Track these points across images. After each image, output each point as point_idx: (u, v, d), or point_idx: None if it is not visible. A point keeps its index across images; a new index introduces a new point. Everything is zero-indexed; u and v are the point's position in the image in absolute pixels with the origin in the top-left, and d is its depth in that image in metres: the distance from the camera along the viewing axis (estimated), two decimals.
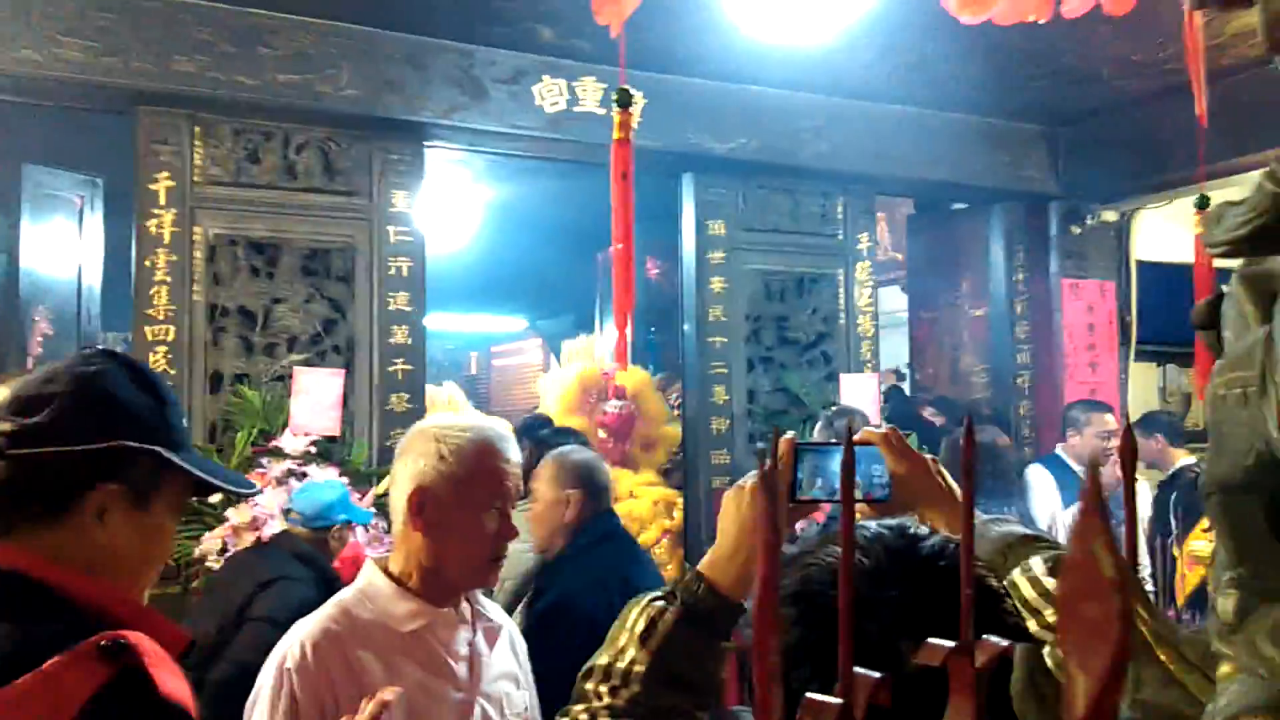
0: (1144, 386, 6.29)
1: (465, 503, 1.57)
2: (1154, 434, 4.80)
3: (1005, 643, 0.75)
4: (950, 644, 0.72)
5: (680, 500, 5.48)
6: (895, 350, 6.67)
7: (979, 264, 6.18)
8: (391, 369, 4.55)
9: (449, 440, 1.59)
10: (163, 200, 4.14)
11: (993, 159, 5.78)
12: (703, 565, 1.07)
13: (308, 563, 3.21)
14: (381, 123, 4.48)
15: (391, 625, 1.56)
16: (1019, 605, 0.86)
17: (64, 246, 5.54)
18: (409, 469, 1.60)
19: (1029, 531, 0.97)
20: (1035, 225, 6.07)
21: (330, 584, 3.57)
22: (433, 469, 1.58)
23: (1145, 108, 5.35)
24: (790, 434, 1.17)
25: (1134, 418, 5.56)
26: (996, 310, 6.13)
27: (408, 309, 4.60)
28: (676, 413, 7.32)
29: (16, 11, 3.81)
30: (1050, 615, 0.84)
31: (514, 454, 1.65)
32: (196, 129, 4.21)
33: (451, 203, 6.75)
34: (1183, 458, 4.77)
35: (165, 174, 4.14)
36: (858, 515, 1.60)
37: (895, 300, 6.98)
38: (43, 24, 3.84)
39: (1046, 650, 0.81)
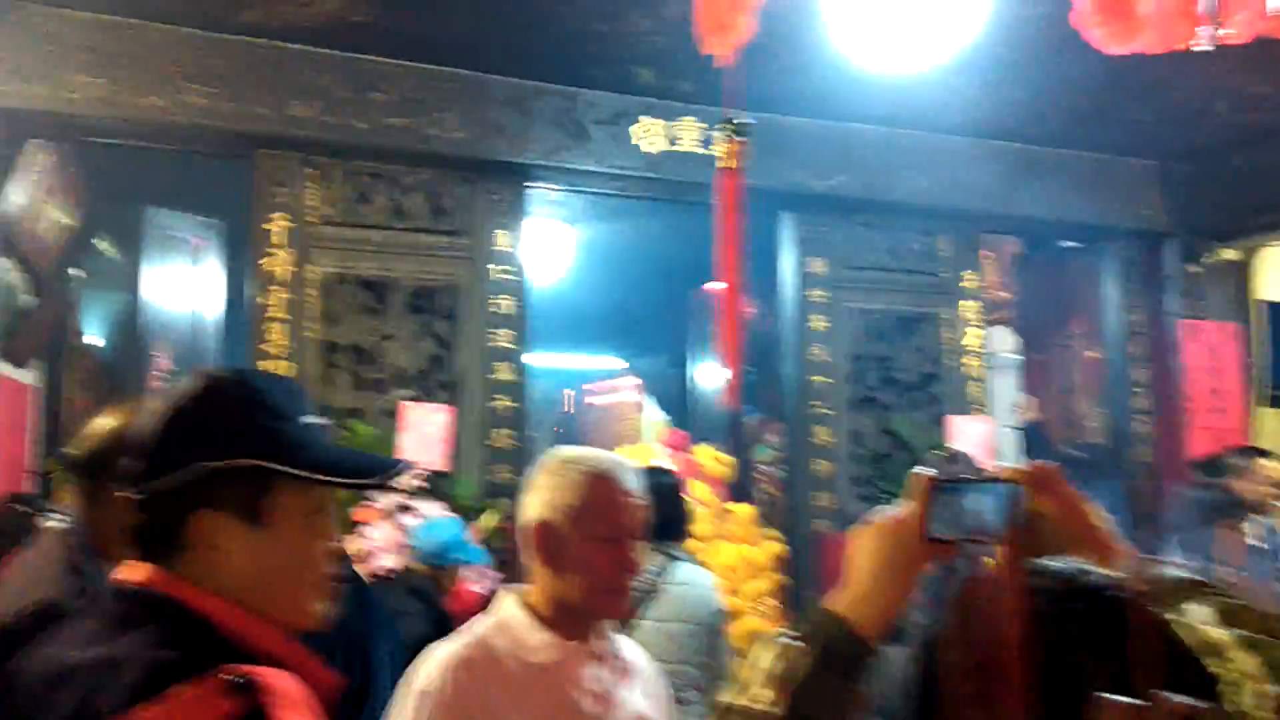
0: (1273, 433, 5.96)
1: (584, 535, 1.57)
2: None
3: (1193, 702, 0.69)
4: (1135, 702, 0.66)
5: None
6: (1005, 392, 6.46)
7: (1091, 304, 5.97)
8: (495, 405, 4.59)
9: (567, 473, 1.60)
10: (278, 240, 4.28)
11: (1103, 196, 5.60)
12: (837, 603, 1.02)
13: (423, 599, 3.23)
14: (486, 164, 4.57)
15: (524, 657, 1.56)
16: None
17: (183, 286, 5.79)
18: (532, 502, 1.62)
19: (1195, 576, 0.90)
20: (1150, 264, 5.84)
21: (442, 621, 3.58)
22: (551, 502, 1.59)
23: (1264, 143, 5.13)
24: (928, 471, 1.11)
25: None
26: (1111, 352, 5.90)
27: (510, 346, 4.65)
28: (775, 454, 7.23)
29: (144, 61, 4.01)
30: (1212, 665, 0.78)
31: (633, 484, 1.64)
32: (310, 171, 4.35)
33: (547, 241, 6.83)
34: None
35: (281, 214, 4.28)
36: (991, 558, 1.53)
37: (1005, 340, 6.77)
38: (168, 72, 4.04)
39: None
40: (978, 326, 5.49)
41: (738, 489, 6.17)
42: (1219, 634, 0.74)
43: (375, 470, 1.17)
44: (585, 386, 12.14)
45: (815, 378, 5.23)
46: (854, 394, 5.29)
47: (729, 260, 2.21)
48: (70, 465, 1.83)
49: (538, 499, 1.61)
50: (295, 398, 1.17)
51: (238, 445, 1.07)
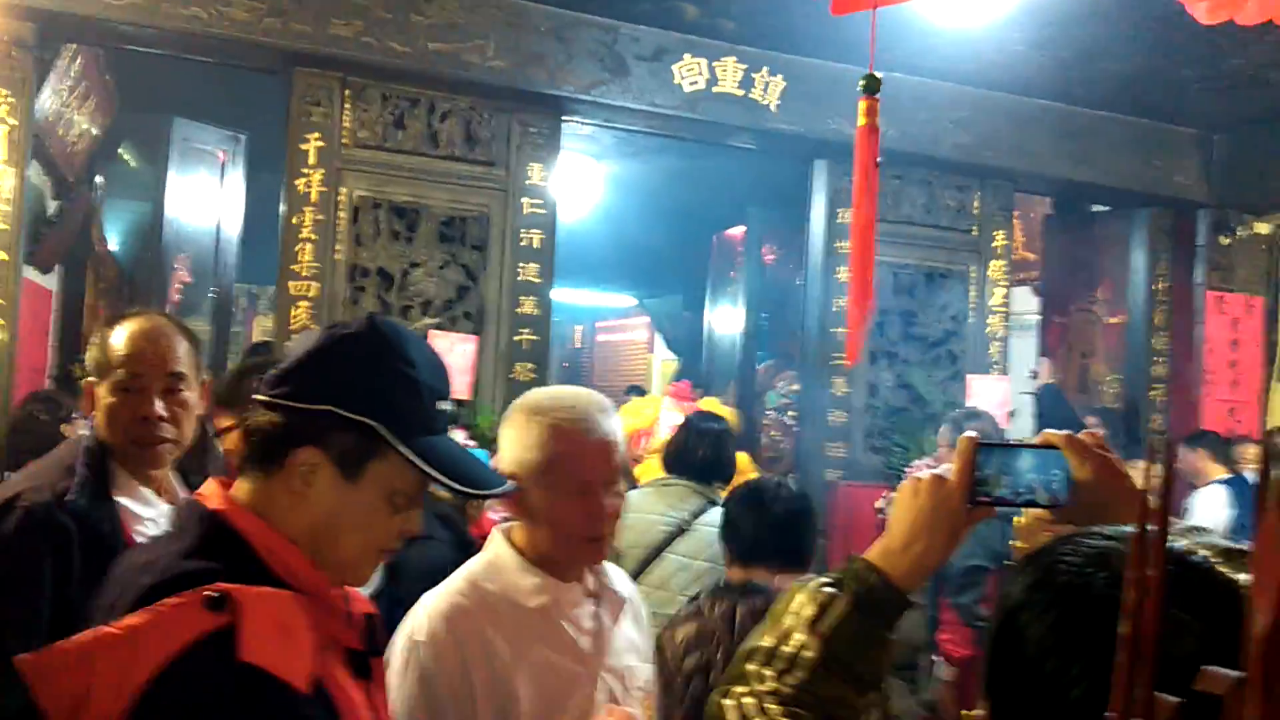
0: None
1: (552, 491, 1.52)
2: (1197, 449, 4.78)
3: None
4: (1234, 674, 0.67)
5: None
6: (1022, 353, 6.47)
7: (1118, 269, 5.94)
8: (518, 338, 4.59)
9: (532, 427, 1.53)
10: (312, 160, 4.23)
11: (1142, 162, 5.54)
12: (873, 555, 1.04)
13: (448, 524, 3.26)
14: (523, 95, 4.50)
15: (518, 600, 1.52)
16: None
17: (206, 199, 5.73)
18: (505, 451, 1.56)
19: (1234, 544, 0.90)
20: (1182, 233, 5.80)
21: (467, 548, 3.61)
22: (518, 458, 1.53)
23: None
24: (973, 433, 1.12)
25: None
26: (1134, 318, 5.89)
27: (536, 280, 4.63)
28: (784, 400, 7.26)
29: None
30: None
31: (604, 429, 1.56)
32: (347, 92, 4.29)
33: (574, 176, 6.77)
34: (1220, 474, 4.71)
35: (316, 134, 4.23)
36: (1032, 520, 1.53)
37: (1025, 302, 6.76)
38: None
39: None
40: (1003, 286, 5.47)
41: (743, 438, 6.20)
42: None
43: (480, 482, 1.17)
44: (597, 324, 12.14)
45: (837, 329, 5.22)
46: (875, 347, 5.28)
47: (864, 218, 2.16)
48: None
49: (507, 452, 1.55)
50: (441, 380, 1.17)
51: (373, 405, 1.08)
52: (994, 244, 5.42)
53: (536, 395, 1.61)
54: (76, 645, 0.95)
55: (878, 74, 2.16)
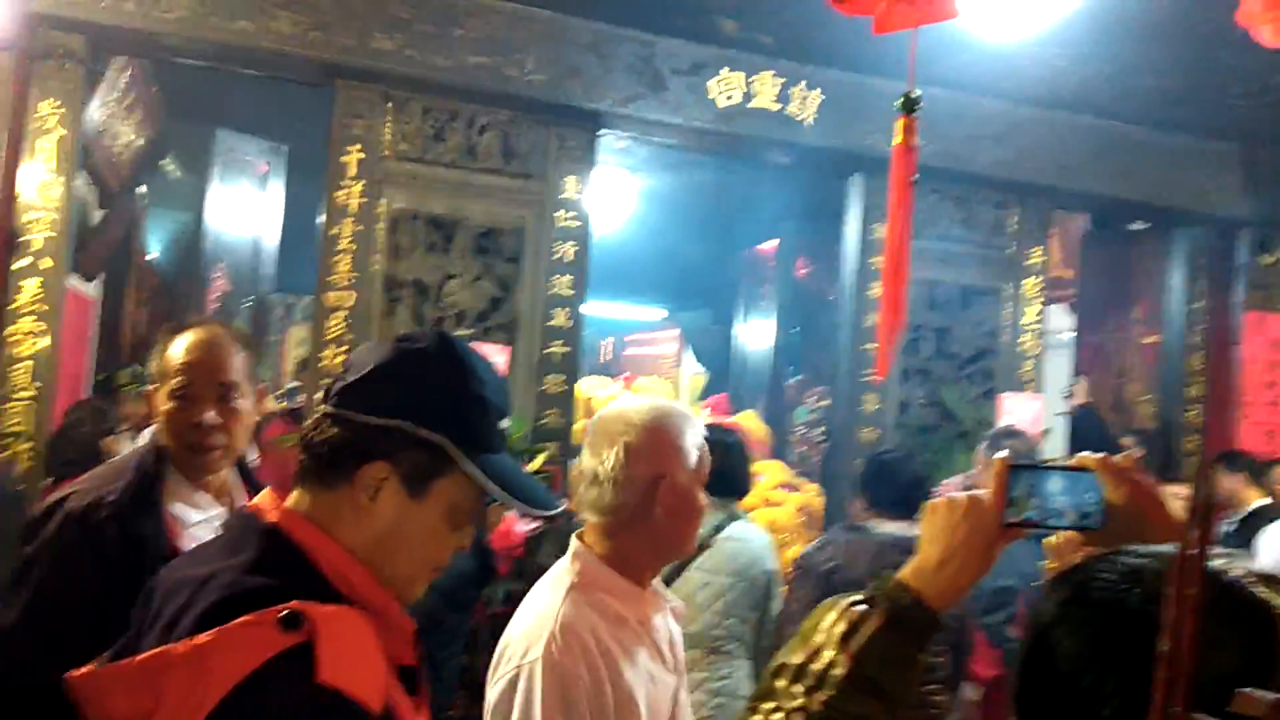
0: None
1: (693, 482, 1.61)
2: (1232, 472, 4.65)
3: None
4: (1272, 695, 0.67)
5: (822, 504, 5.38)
6: (1057, 372, 6.41)
7: (1155, 288, 5.88)
8: (549, 350, 4.61)
9: (671, 424, 1.60)
10: (353, 172, 4.29)
11: (1181, 179, 5.49)
12: (906, 574, 1.04)
13: None
14: (561, 109, 4.54)
15: (616, 609, 1.55)
16: None
17: (246, 209, 5.83)
18: (641, 452, 1.57)
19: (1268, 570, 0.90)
20: (1220, 251, 5.74)
21: (485, 556, 3.64)
22: (667, 455, 1.58)
23: None
24: (1005, 454, 1.12)
25: None
26: (1171, 338, 5.82)
27: (570, 293, 4.65)
28: (813, 416, 7.24)
29: None
30: None
31: (701, 441, 1.65)
32: (389, 105, 4.34)
33: (609, 189, 6.81)
34: (1256, 497, 4.57)
35: (357, 147, 4.28)
36: (1063, 541, 1.52)
37: (1059, 320, 6.71)
38: None
39: None
40: (1038, 304, 5.43)
41: (773, 453, 6.20)
42: None
43: (542, 501, 1.17)
44: (626, 337, 12.15)
45: (869, 345, 5.20)
46: (907, 364, 5.26)
47: (896, 234, 2.18)
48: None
49: (649, 450, 1.57)
50: (505, 399, 1.17)
51: (444, 422, 1.08)
52: (1030, 261, 5.39)
53: (635, 408, 1.64)
54: (139, 665, 0.94)
55: (916, 92, 2.17)
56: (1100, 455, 1.10)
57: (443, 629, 3.24)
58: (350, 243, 4.29)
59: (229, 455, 1.82)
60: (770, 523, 4.73)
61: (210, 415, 1.77)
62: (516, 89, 4.41)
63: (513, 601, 3.72)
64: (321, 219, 4.31)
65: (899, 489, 3.00)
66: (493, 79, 4.37)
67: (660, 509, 1.57)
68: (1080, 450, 1.14)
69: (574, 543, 1.64)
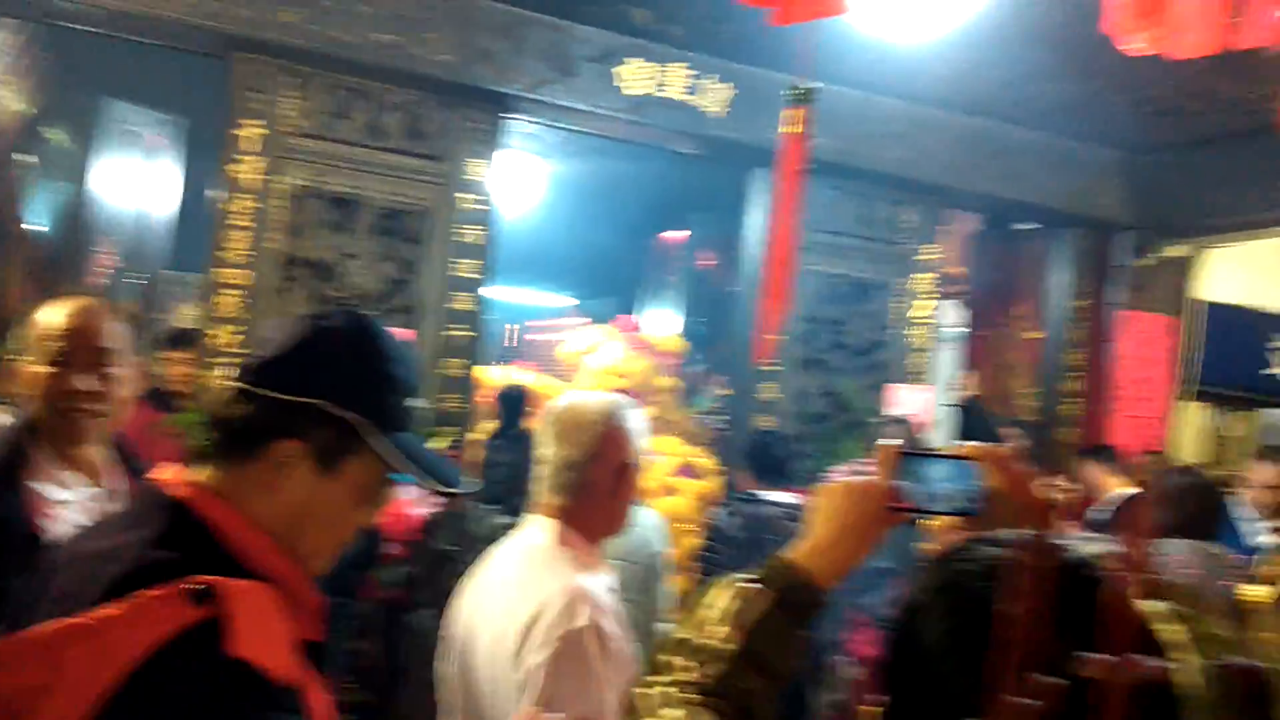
0: (1192, 427, 6.24)
1: (635, 467, 1.75)
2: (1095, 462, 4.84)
3: (1159, 663, 0.77)
4: (1108, 659, 0.74)
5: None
6: (946, 365, 6.65)
7: (1039, 287, 6.15)
8: (451, 334, 4.59)
9: (626, 416, 1.74)
10: (248, 146, 4.18)
11: (1067, 182, 5.74)
12: (796, 555, 1.08)
13: None
14: (468, 90, 4.51)
15: (595, 583, 1.64)
16: None
17: (133, 181, 5.62)
18: (607, 443, 1.70)
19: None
20: (1100, 253, 6.03)
21: (371, 538, 3.59)
22: (627, 444, 1.72)
23: (1229, 146, 5.29)
24: (895, 441, 1.18)
25: (1183, 458, 5.53)
26: (1052, 334, 6.10)
27: (473, 276, 4.63)
28: (714, 404, 7.35)
29: None
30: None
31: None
32: (289, 80, 4.25)
33: (515, 174, 6.78)
34: (1117, 486, 4.72)
35: (255, 121, 4.18)
36: (946, 526, 1.61)
37: (950, 315, 6.95)
38: None
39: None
40: (929, 299, 5.62)
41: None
42: (1154, 606, 0.81)
43: (450, 479, 1.19)
44: (530, 324, 12.10)
45: (769, 336, 5.30)
46: (804, 354, 5.39)
47: (783, 224, 2.25)
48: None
49: (620, 440, 1.71)
50: (415, 376, 1.19)
51: (357, 401, 1.09)
52: (923, 257, 5.57)
53: (604, 400, 1.77)
54: (40, 635, 0.92)
55: (808, 86, 2.25)
56: (980, 445, 1.17)
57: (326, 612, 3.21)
58: (247, 219, 4.18)
59: (104, 426, 1.78)
60: (670, 511, 4.78)
61: (87, 381, 1.74)
62: (424, 69, 4.36)
63: (409, 585, 3.72)
64: (216, 194, 4.20)
65: (777, 462, 3.60)
66: (399, 58, 4.31)
67: (621, 493, 1.72)
68: (967, 439, 1.22)
69: (545, 520, 1.71)
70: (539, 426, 1.78)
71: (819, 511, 1.11)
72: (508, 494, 4.26)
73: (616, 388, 5.47)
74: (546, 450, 1.72)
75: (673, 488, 5.35)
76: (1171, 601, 0.83)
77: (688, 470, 5.43)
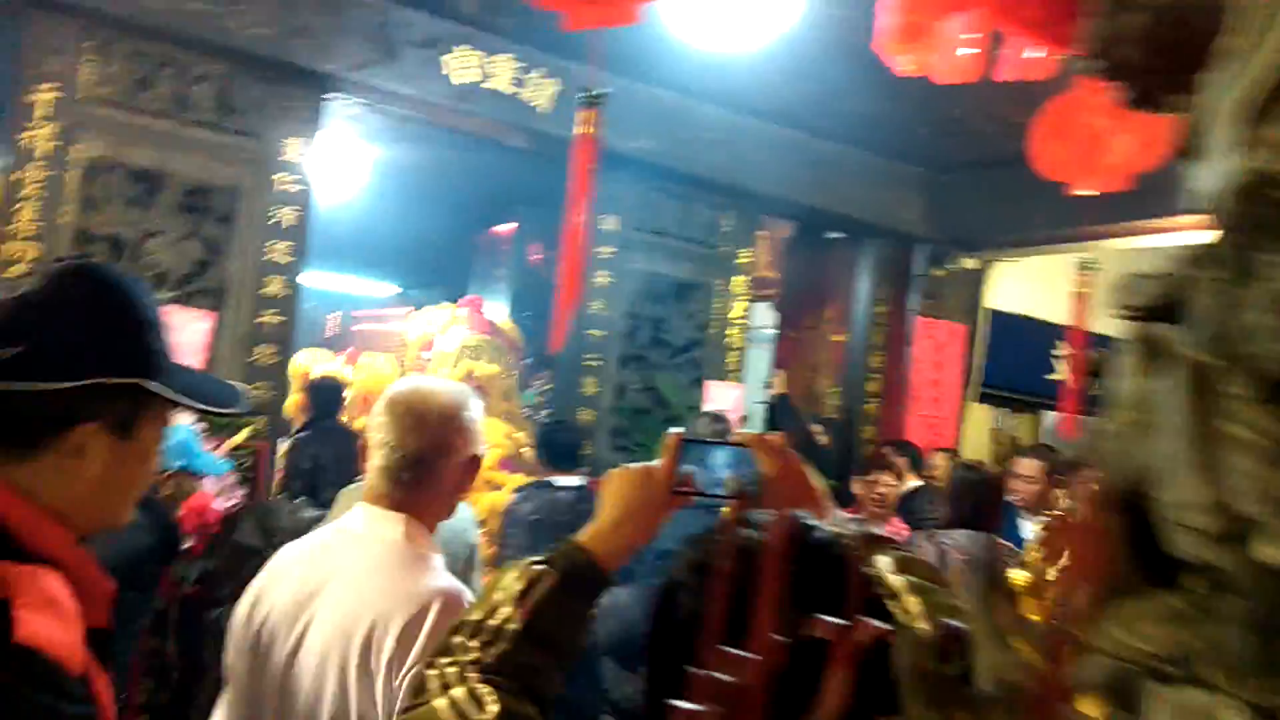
0: (979, 427, 6.76)
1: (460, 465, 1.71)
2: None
3: (886, 626, 0.88)
4: (838, 621, 0.84)
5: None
6: (759, 364, 6.94)
7: (845, 292, 6.50)
8: (261, 320, 4.43)
9: (473, 405, 1.71)
10: (43, 113, 3.91)
11: (872, 196, 6.09)
12: (583, 537, 1.13)
13: (144, 507, 3.09)
14: (286, 67, 4.36)
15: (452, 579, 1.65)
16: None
17: None
18: (455, 435, 1.65)
19: (880, 533, 1.10)
20: (900, 262, 6.43)
21: (167, 531, 3.44)
22: (476, 436, 1.69)
23: (1016, 167, 5.73)
24: (678, 430, 1.26)
25: (967, 454, 5.97)
26: (855, 338, 6.47)
27: (287, 260, 4.49)
28: (539, 398, 7.38)
29: None
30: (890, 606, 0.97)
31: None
32: (90, 44, 3.99)
33: (340, 156, 6.59)
34: (913, 480, 5.02)
35: (50, 85, 3.91)
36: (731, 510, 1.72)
37: (764, 316, 7.25)
38: None
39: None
40: (744, 300, 5.85)
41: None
42: (896, 580, 0.92)
43: (228, 398, 1.19)
44: (354, 313, 11.77)
45: (592, 331, 5.40)
46: (625, 350, 5.51)
47: (575, 218, 2.31)
48: None
49: (471, 432, 1.67)
50: (156, 304, 1.15)
51: (132, 361, 1.06)
52: (739, 260, 5.79)
53: (453, 390, 1.72)
54: None
55: (600, 90, 2.34)
56: (755, 433, 1.26)
57: (118, 608, 3.06)
58: (37, 190, 3.91)
59: None
60: (491, 506, 4.78)
61: None
62: (238, 41, 4.20)
63: (207, 582, 3.58)
64: (4, 163, 3.90)
65: (566, 449, 3.89)
66: (211, 28, 4.13)
67: (465, 486, 1.68)
68: (777, 433, 1.30)
69: (383, 513, 1.64)
70: (380, 416, 1.67)
71: (605, 495, 1.17)
72: (316, 487, 4.17)
73: (466, 371, 5.42)
74: (389, 440, 1.63)
75: (496, 481, 5.36)
76: (914, 576, 0.94)
77: (509, 463, 5.44)
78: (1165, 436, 0.54)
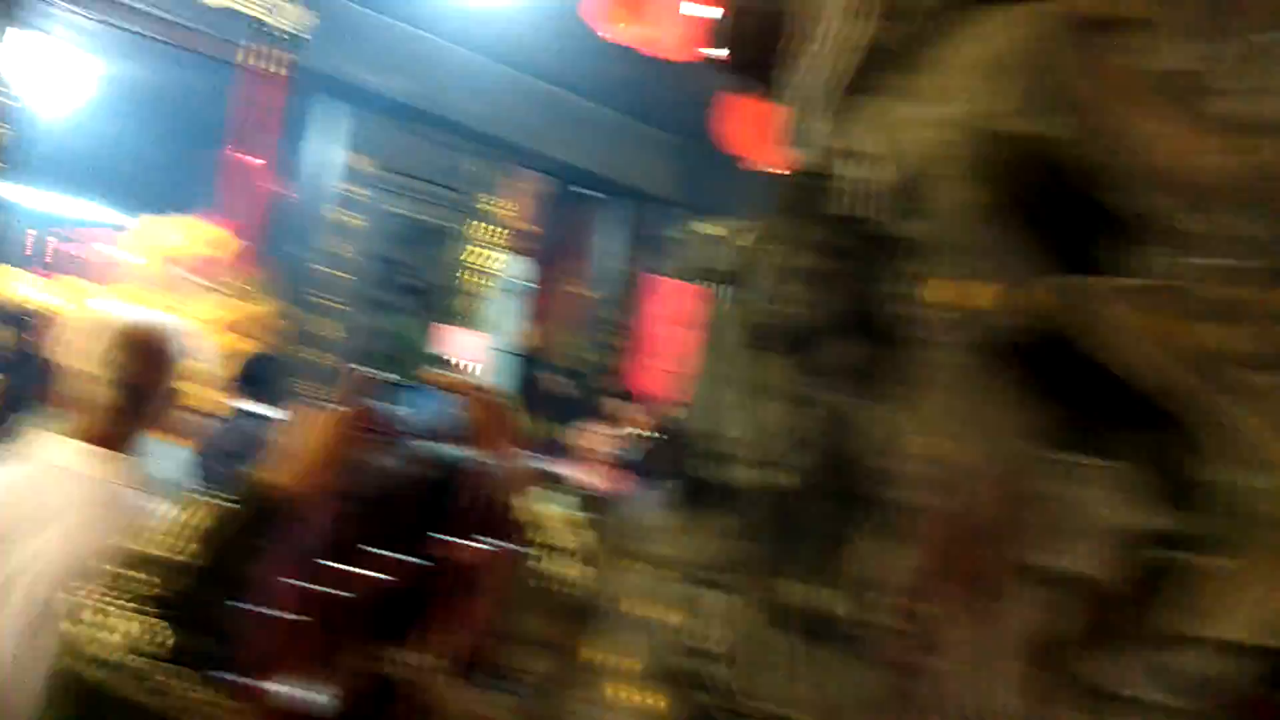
0: None
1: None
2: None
3: (503, 546, 1.06)
4: (462, 542, 1.00)
5: None
6: (511, 314, 7.05)
7: (593, 249, 6.74)
8: None
9: (165, 341, 1.64)
10: None
11: (626, 157, 6.32)
12: (269, 472, 1.16)
13: None
14: None
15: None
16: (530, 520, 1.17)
17: None
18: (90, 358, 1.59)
19: (557, 472, 1.30)
20: (645, 223, 6.74)
21: None
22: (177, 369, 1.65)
23: None
24: (365, 370, 1.27)
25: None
26: (600, 293, 6.74)
27: None
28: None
29: None
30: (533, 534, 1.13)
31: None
32: None
33: (56, 67, 6.02)
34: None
35: None
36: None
37: (521, 268, 7.35)
38: None
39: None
40: (498, 250, 5.94)
41: None
42: (550, 512, 1.09)
43: None
44: (62, 231, 10.74)
45: (336, 271, 5.32)
46: (369, 293, 5.46)
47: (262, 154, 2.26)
48: None
49: (165, 367, 1.62)
50: None
51: None
52: (490, 209, 5.86)
53: (155, 320, 1.65)
54: None
55: (297, 32, 2.26)
56: (449, 375, 1.36)
57: None
58: None
59: None
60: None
61: None
62: None
63: None
64: None
65: (264, 381, 4.00)
66: None
67: (164, 421, 1.64)
68: (526, 386, 1.40)
69: (76, 444, 1.56)
70: (83, 340, 1.59)
71: (294, 431, 1.17)
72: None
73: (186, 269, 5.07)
74: (90, 368, 1.56)
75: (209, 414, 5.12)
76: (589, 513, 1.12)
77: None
78: (728, 385, 0.73)
